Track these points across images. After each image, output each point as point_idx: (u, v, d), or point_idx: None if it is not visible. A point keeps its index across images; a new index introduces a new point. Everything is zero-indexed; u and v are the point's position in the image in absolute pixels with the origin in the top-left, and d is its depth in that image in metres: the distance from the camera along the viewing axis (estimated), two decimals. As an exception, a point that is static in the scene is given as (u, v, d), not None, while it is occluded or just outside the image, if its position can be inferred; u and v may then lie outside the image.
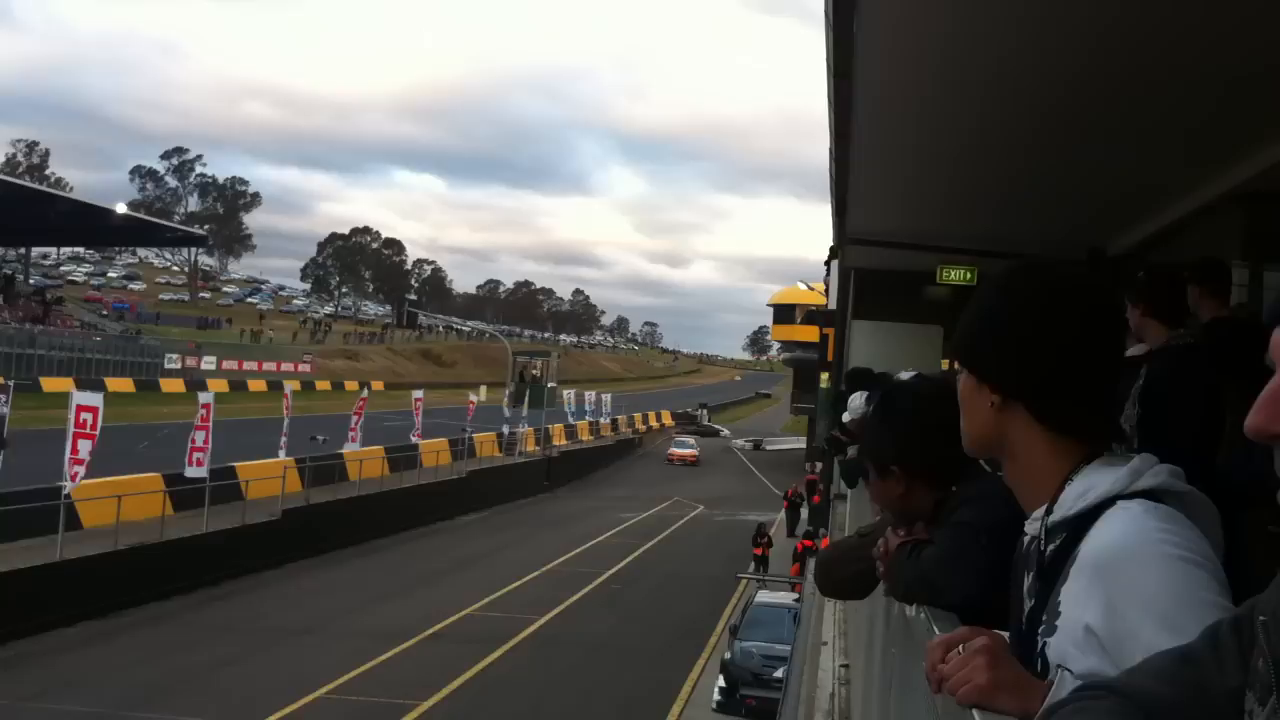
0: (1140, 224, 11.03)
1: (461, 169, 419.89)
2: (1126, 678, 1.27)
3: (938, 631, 2.15)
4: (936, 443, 2.74)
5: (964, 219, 12.85)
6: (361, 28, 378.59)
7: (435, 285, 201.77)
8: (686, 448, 79.92)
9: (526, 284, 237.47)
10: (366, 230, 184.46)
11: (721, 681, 21.85)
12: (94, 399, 25.41)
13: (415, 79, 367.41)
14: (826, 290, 29.27)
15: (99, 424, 24.37)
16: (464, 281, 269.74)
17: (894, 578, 2.79)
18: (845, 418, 9.02)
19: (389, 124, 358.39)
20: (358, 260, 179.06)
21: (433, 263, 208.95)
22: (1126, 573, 1.52)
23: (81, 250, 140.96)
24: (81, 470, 24.19)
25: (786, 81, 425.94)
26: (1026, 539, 1.77)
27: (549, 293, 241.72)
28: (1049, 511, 1.69)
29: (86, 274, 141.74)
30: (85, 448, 24.05)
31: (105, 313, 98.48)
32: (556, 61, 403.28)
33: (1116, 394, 1.74)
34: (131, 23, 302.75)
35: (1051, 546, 1.67)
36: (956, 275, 14.60)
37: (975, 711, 1.54)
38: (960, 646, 1.63)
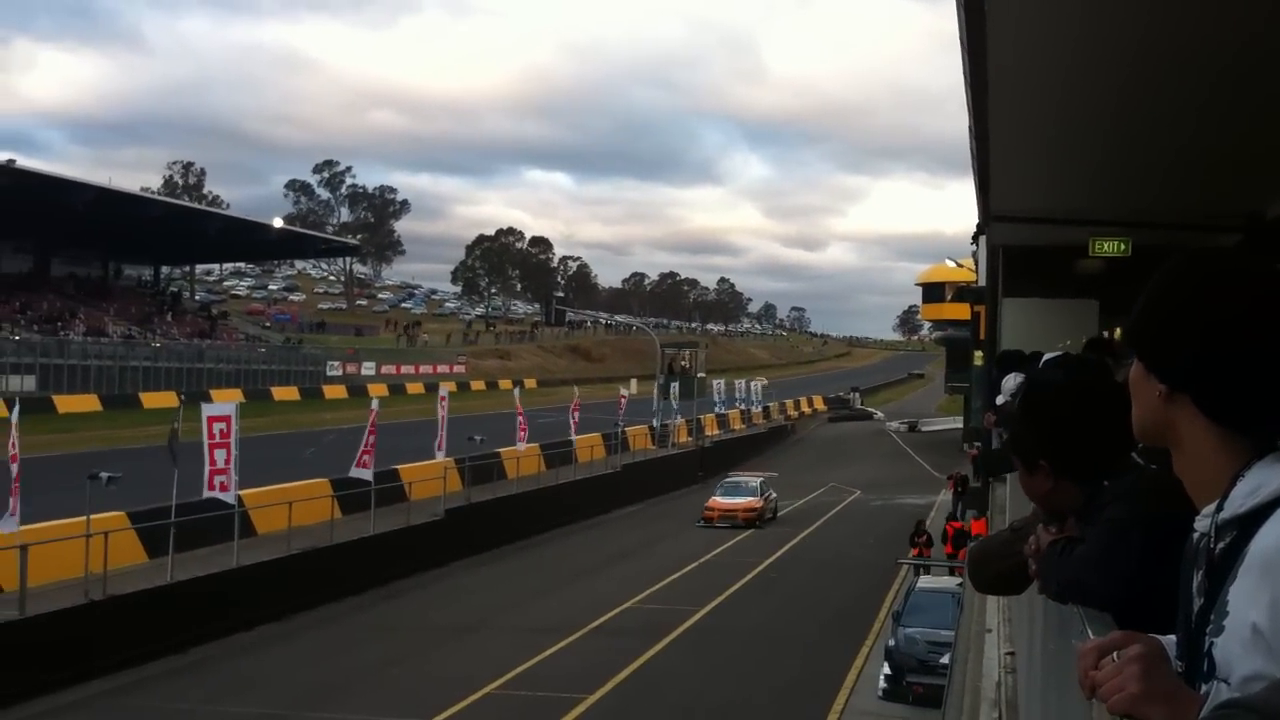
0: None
1: (586, 164, 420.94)
2: (1267, 695, 1.23)
3: (1091, 633, 2.11)
4: (1080, 438, 2.66)
5: (1115, 190, 12.48)
6: (470, 30, 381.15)
7: (581, 281, 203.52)
8: (738, 495, 44.07)
9: (671, 275, 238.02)
10: (511, 230, 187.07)
11: (886, 669, 21.52)
12: (225, 409, 26.23)
13: (528, 77, 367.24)
14: (975, 266, 28.67)
15: (232, 433, 24.85)
16: (602, 276, 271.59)
17: (1046, 576, 2.73)
18: (998, 400, 8.90)
19: (510, 124, 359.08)
20: (504, 260, 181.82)
21: (578, 259, 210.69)
22: None
23: (242, 265, 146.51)
24: (224, 478, 24.66)
25: (900, 56, 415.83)
26: (1196, 535, 1.72)
27: (693, 283, 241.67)
28: (1219, 508, 1.65)
29: (248, 288, 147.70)
30: (221, 457, 24.62)
31: (267, 324, 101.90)
32: (666, 50, 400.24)
33: None
34: (254, 39, 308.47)
35: (1221, 544, 1.62)
36: (1110, 247, 14.16)
37: (1126, 721, 1.50)
38: (1115, 653, 1.60)
